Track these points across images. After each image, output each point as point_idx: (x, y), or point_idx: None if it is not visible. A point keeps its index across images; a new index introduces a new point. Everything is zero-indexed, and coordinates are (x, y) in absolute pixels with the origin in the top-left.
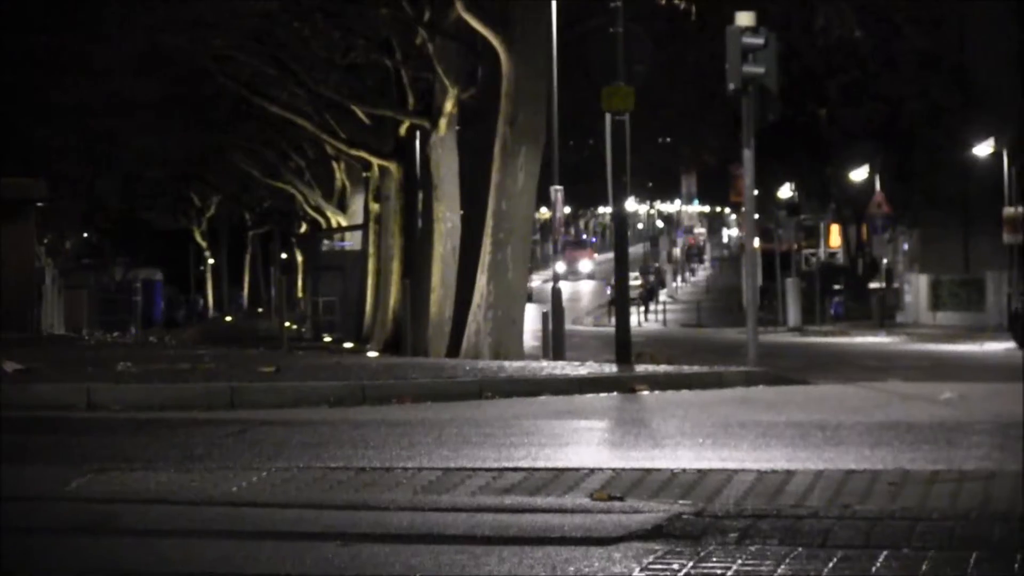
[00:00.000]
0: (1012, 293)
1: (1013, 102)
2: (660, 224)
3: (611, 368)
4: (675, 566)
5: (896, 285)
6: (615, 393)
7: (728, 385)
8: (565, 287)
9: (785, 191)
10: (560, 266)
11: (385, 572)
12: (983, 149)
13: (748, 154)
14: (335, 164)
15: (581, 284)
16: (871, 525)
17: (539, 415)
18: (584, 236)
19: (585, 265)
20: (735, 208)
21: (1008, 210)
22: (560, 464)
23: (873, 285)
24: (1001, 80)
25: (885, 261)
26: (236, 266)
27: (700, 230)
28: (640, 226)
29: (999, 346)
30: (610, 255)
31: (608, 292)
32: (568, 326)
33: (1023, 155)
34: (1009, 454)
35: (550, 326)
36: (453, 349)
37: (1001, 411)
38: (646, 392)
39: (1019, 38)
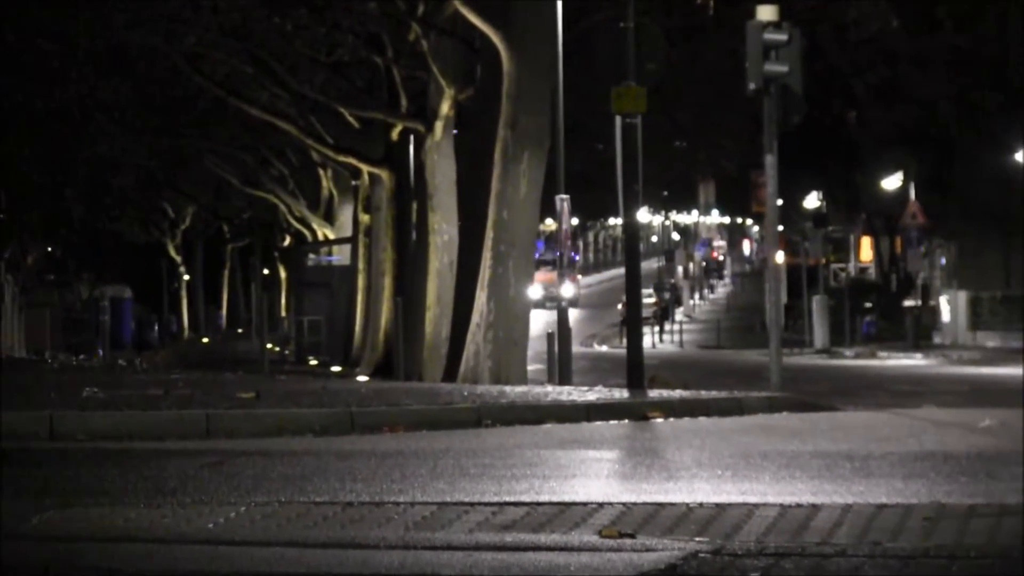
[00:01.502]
0: None
1: None
2: (676, 236)
3: (622, 393)
4: None
5: (932, 303)
6: (626, 421)
7: (749, 412)
8: (539, 316)
9: (811, 200)
10: (535, 291)
11: None
12: None
13: (770, 160)
14: (321, 171)
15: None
16: (903, 564)
17: (543, 444)
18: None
19: (567, 290)
20: (757, 219)
21: None
22: (566, 498)
23: (907, 303)
24: None
25: (921, 277)
26: (213, 283)
27: (719, 243)
28: (654, 239)
29: None
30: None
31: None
32: (575, 348)
33: None
34: None
35: (555, 348)
36: (450, 373)
37: None
38: (660, 419)
39: None
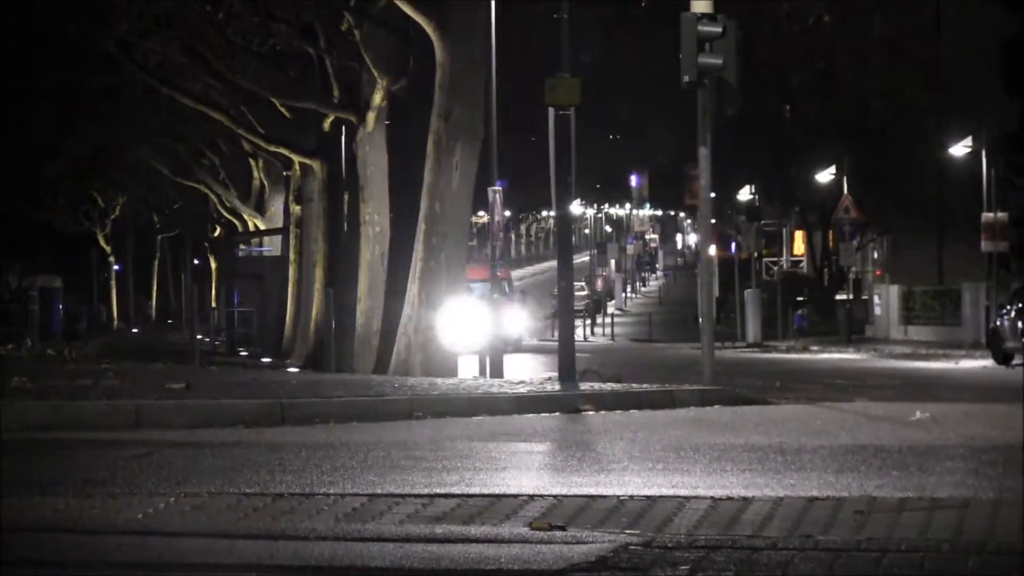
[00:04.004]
0: (991, 306)
1: (992, 97)
2: (608, 229)
3: (553, 386)
4: None
5: (865, 297)
6: (557, 413)
7: (681, 405)
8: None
9: (745, 194)
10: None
11: None
12: (960, 149)
13: (704, 153)
14: (252, 162)
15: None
16: (834, 557)
17: (474, 437)
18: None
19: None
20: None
21: (987, 215)
22: (497, 490)
23: (840, 297)
24: (979, 73)
25: (853, 271)
26: (143, 273)
27: (652, 236)
28: (587, 231)
29: (976, 363)
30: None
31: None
32: None
33: (1003, 155)
34: (984, 481)
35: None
36: (381, 365)
37: (976, 434)
38: (591, 412)
39: (999, 27)
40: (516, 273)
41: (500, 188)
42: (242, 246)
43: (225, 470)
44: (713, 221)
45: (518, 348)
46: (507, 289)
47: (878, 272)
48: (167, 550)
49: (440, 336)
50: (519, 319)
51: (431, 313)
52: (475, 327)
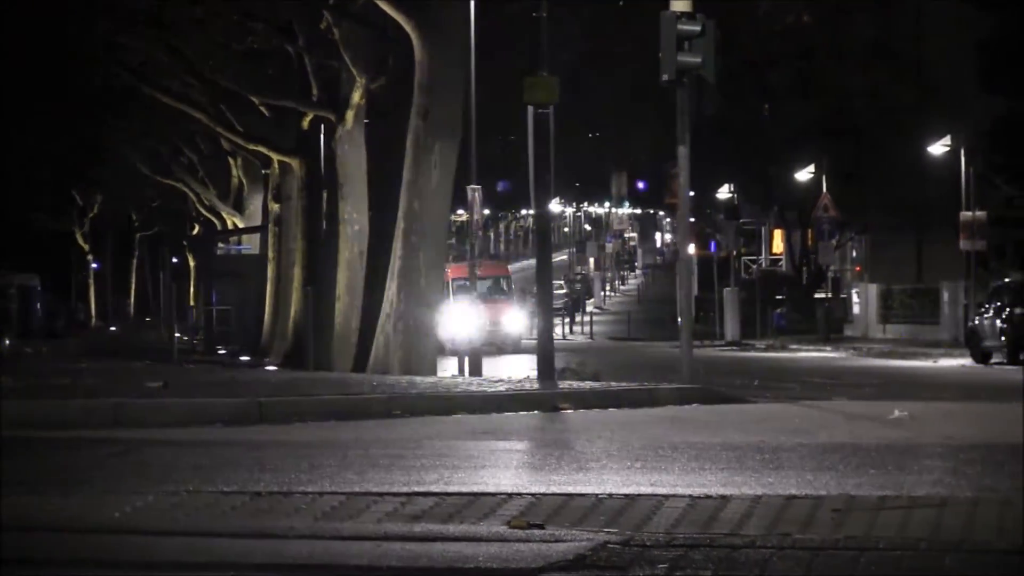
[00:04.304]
0: (969, 305)
1: (971, 96)
2: (587, 228)
3: (532, 385)
4: None
5: (844, 295)
6: (536, 412)
7: (660, 403)
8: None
9: (724, 193)
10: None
11: None
12: (938, 148)
13: (683, 151)
14: (231, 160)
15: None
16: (813, 556)
17: (453, 435)
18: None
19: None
20: (669, 211)
21: (965, 214)
22: (475, 489)
23: (819, 295)
24: (958, 72)
25: (832, 269)
26: (122, 272)
27: (631, 234)
28: (566, 230)
29: (954, 362)
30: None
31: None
32: None
33: (982, 154)
34: (962, 479)
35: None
36: (360, 363)
37: (954, 433)
38: (570, 411)
39: (979, 26)
40: None
41: (479, 187)
42: (221, 244)
43: (203, 468)
44: (692, 220)
45: (517, 348)
46: (506, 287)
47: (858, 268)
48: (145, 548)
49: (421, 334)
50: (519, 318)
51: (410, 311)
52: (472, 327)
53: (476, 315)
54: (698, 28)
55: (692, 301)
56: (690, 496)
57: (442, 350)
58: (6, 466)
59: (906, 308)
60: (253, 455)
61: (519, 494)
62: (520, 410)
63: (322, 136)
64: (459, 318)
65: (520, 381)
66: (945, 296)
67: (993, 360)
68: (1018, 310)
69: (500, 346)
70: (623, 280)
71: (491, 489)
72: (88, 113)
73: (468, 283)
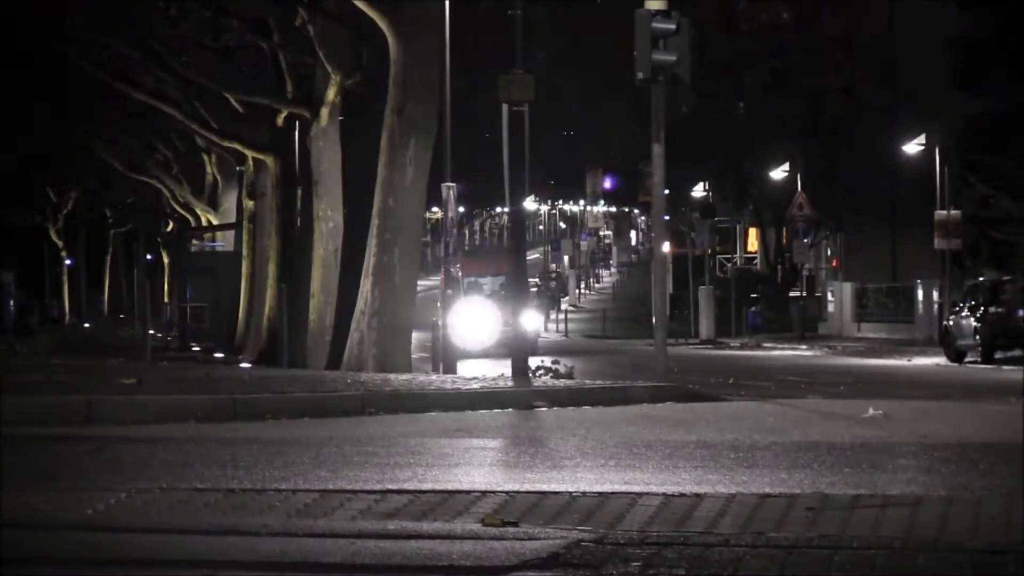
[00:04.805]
0: (944, 303)
1: (946, 94)
2: (562, 225)
3: (506, 383)
4: None
5: (818, 294)
6: (510, 410)
7: (634, 401)
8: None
9: (699, 191)
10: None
11: None
12: (913, 146)
13: (658, 150)
14: (206, 157)
15: None
16: (786, 554)
17: (427, 433)
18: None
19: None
20: (644, 209)
21: (940, 213)
22: (449, 486)
23: (793, 294)
24: (933, 70)
25: (807, 268)
26: (96, 268)
27: (606, 232)
28: (541, 228)
29: (929, 361)
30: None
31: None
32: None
33: (957, 153)
34: (936, 478)
35: (440, 336)
36: (334, 361)
37: (928, 431)
38: (544, 409)
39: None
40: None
41: (454, 184)
42: (195, 241)
43: (177, 465)
44: (666, 218)
45: (535, 350)
46: None
47: (835, 263)
48: (119, 545)
49: (396, 332)
50: (534, 316)
51: (384, 308)
52: (486, 325)
53: (491, 313)
54: (673, 26)
55: (667, 299)
56: (664, 494)
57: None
58: None
59: (881, 307)
60: (227, 452)
61: (493, 492)
62: (494, 408)
63: (297, 133)
64: (471, 318)
65: (494, 379)
66: (920, 295)
67: (967, 359)
68: (992, 309)
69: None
70: (598, 278)
71: (465, 487)
72: (61, 110)
73: (479, 280)
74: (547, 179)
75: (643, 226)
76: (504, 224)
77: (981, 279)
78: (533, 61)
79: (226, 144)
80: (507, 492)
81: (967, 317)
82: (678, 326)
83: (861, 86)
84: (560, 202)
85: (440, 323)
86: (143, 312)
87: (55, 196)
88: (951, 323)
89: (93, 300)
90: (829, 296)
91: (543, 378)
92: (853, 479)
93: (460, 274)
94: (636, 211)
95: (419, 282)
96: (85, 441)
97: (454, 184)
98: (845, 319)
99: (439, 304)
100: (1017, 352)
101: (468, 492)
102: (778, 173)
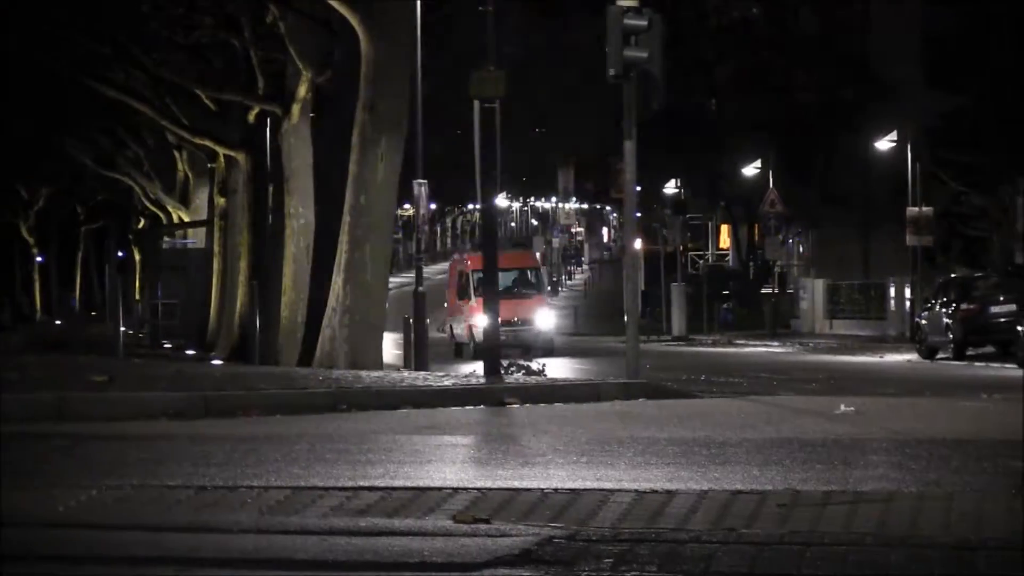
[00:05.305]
0: (916, 300)
1: (918, 91)
2: (534, 222)
3: (478, 379)
4: None
5: (790, 291)
6: (482, 406)
7: (606, 398)
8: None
9: (671, 187)
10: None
11: None
12: (885, 143)
13: (629, 146)
14: (177, 154)
15: None
16: (758, 551)
17: (399, 430)
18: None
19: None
20: (616, 206)
21: (912, 210)
22: (421, 483)
23: (765, 291)
24: (905, 67)
25: (779, 265)
26: (67, 265)
27: (578, 229)
28: (512, 225)
29: (901, 357)
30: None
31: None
32: (432, 333)
33: (929, 150)
34: (908, 474)
35: (412, 333)
36: (306, 357)
37: (900, 428)
38: (516, 405)
39: (925, 22)
40: (438, 267)
41: (425, 181)
42: (166, 238)
43: (148, 463)
44: (638, 215)
45: (549, 350)
46: (533, 280)
47: (807, 255)
48: (90, 542)
49: (367, 328)
50: (549, 315)
51: (356, 305)
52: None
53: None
54: (645, 23)
55: (638, 296)
56: (636, 491)
57: (459, 352)
58: None
59: (853, 303)
60: (198, 449)
61: (465, 489)
62: (466, 404)
63: (268, 130)
64: (478, 315)
65: (466, 376)
66: (891, 292)
67: (939, 356)
68: (964, 306)
69: (528, 346)
70: (570, 275)
71: (437, 484)
72: (31, 107)
73: (503, 275)
74: (519, 176)
75: (615, 223)
76: (475, 221)
77: (953, 276)
78: (504, 57)
79: (197, 141)
80: (479, 489)
81: (939, 314)
82: (650, 323)
83: (833, 82)
84: (532, 199)
85: (448, 325)
86: (114, 309)
87: (26, 193)
88: (923, 320)
89: (64, 297)
90: (801, 293)
91: (515, 375)
92: (825, 475)
93: (470, 268)
94: (608, 208)
95: (390, 279)
96: (56, 438)
97: (425, 181)
98: (817, 316)
99: (446, 304)
100: (988, 349)
101: (440, 489)
102: (750, 170)
